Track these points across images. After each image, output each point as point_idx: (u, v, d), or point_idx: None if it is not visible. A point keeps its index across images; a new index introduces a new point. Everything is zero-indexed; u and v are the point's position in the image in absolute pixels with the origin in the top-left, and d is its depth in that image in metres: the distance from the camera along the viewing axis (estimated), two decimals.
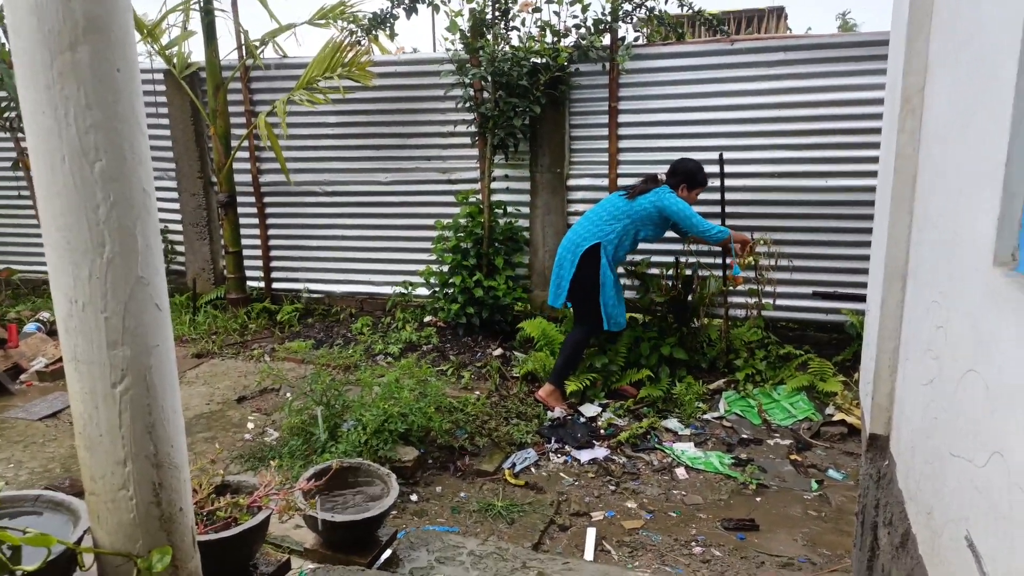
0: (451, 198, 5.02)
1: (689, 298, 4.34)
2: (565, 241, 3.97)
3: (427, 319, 5.14)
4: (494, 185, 4.90)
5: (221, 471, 2.34)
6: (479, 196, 4.88)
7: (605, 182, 4.73)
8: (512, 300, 4.80)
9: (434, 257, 4.98)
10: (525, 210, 4.94)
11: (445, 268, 4.90)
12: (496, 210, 4.84)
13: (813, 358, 4.20)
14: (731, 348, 4.29)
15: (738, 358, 4.26)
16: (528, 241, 4.93)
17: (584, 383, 4.00)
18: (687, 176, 3.81)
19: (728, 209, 4.19)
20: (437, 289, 4.97)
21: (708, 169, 3.98)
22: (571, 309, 4.11)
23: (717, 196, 4.10)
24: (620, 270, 4.27)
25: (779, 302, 4.35)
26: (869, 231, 4.17)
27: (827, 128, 4.22)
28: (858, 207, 4.26)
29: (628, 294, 4.51)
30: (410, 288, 5.19)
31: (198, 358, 4.67)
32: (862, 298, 4.19)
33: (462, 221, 4.81)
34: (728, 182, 4.17)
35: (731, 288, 4.19)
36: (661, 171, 4.03)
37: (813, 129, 4.23)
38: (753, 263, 4.05)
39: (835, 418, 3.77)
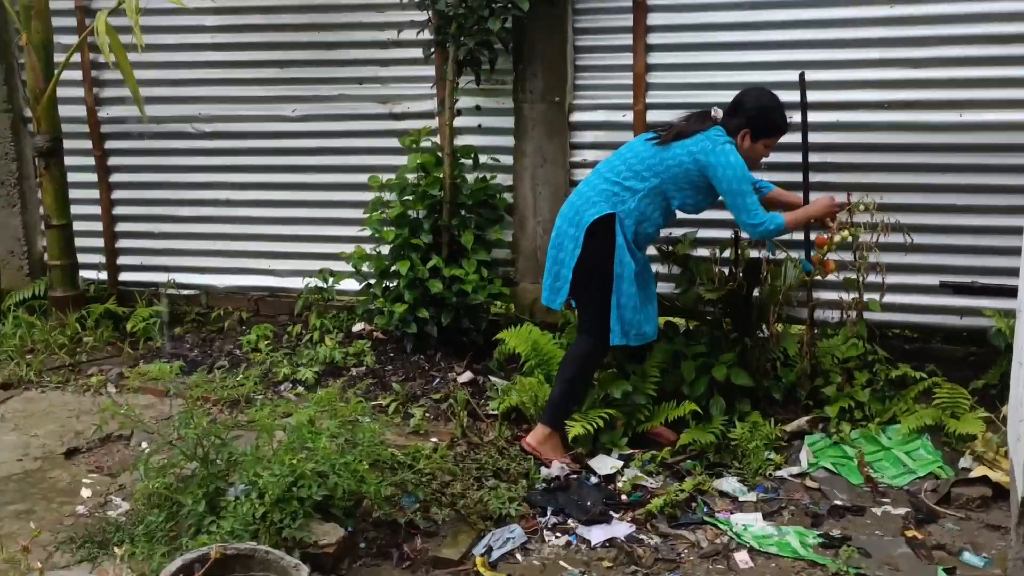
0: (394, 142, 5.05)
1: (754, 294, 4.37)
2: (566, 208, 4.03)
3: (358, 327, 5.20)
4: (460, 122, 4.93)
5: (39, 564, 2.31)
6: (436, 139, 4.93)
7: (628, 117, 4.76)
8: (487, 298, 4.85)
9: (368, 233, 5.00)
10: (507, 160, 4.99)
11: (385, 249, 4.97)
12: (463, 160, 4.88)
13: (941, 383, 4.26)
14: (817, 369, 4.32)
15: (828, 384, 4.29)
16: (512, 208, 5.01)
17: (596, 423, 4.04)
18: (755, 117, 3.87)
19: (812, 158, 4.16)
20: (373, 282, 5.02)
21: (788, 100, 3.99)
22: (575, 311, 4.17)
23: (795, 139, 4.10)
24: (650, 251, 4.31)
25: (889, 299, 4.28)
26: None
27: (967, 35, 4.27)
28: (1011, 154, 4.31)
29: (662, 287, 4.52)
30: (331, 281, 5.23)
31: (3, 390, 4.73)
32: (1014, 292, 4.12)
33: (410, 177, 4.87)
34: (813, 117, 4.14)
35: (818, 278, 4.22)
36: (716, 105, 4.06)
37: (945, 36, 4.29)
38: (849, 239, 4.06)
39: (973, 474, 3.82)
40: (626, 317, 3.90)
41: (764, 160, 4.09)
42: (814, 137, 4.23)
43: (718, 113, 3.92)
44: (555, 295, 4.03)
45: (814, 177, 4.24)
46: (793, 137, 4.14)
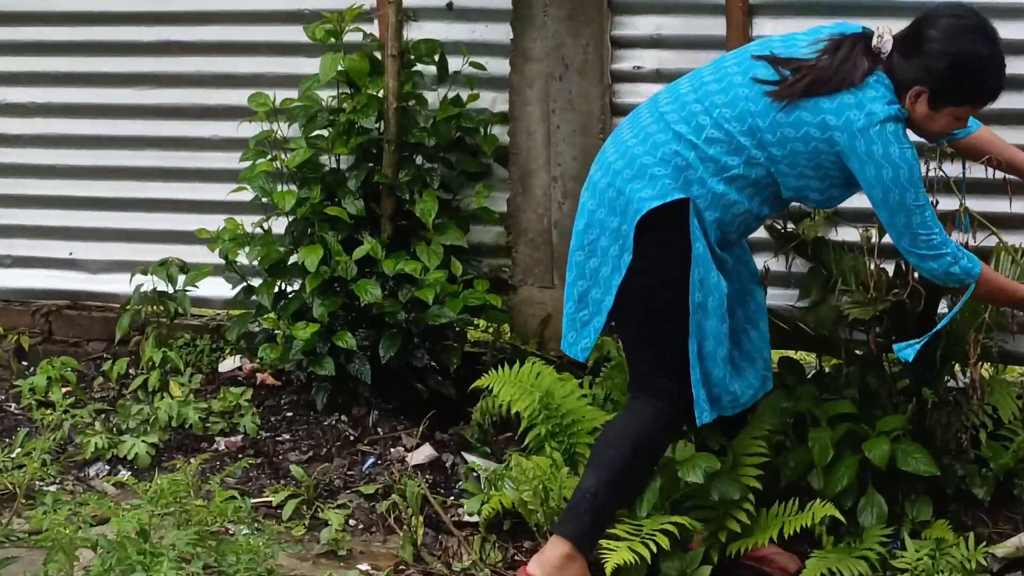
0: (297, 32, 5.02)
1: (939, 310, 4.31)
2: (601, 174, 3.94)
3: (230, 364, 5.25)
4: (411, 1, 4.91)
5: None
6: (372, 28, 4.97)
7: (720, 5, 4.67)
8: (462, 314, 4.80)
9: (247, 196, 5.03)
10: (499, 66, 5.03)
11: (279, 226, 5.04)
12: (419, 66, 4.94)
13: None
14: None
15: None
16: (507, 154, 5.05)
17: (656, 540, 3.93)
18: (945, 72, 3.77)
19: None
20: (257, 283, 5.06)
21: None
22: (619, 346, 4.27)
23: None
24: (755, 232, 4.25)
25: None
26: None
27: None
28: None
29: (776, 295, 4.54)
30: (182, 281, 5.21)
31: None
32: None
33: (325, 96, 4.94)
34: None
35: None
36: (886, 24, 3.84)
37: None
38: None
39: None
40: (714, 375, 3.87)
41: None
42: None
43: (884, 43, 3.69)
44: (580, 334, 3.97)
45: None
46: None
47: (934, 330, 3.97)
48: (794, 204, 4.45)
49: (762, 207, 3.92)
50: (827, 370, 4.59)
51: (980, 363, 4.15)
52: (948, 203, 4.13)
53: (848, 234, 4.50)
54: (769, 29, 4.58)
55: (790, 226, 4.55)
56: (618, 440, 3.97)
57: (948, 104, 3.79)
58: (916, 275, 4.14)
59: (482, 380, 4.59)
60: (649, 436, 3.97)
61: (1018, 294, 3.97)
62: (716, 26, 4.58)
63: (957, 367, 4.35)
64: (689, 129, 3.80)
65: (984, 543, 4.06)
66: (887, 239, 4.19)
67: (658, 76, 4.55)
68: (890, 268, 4.34)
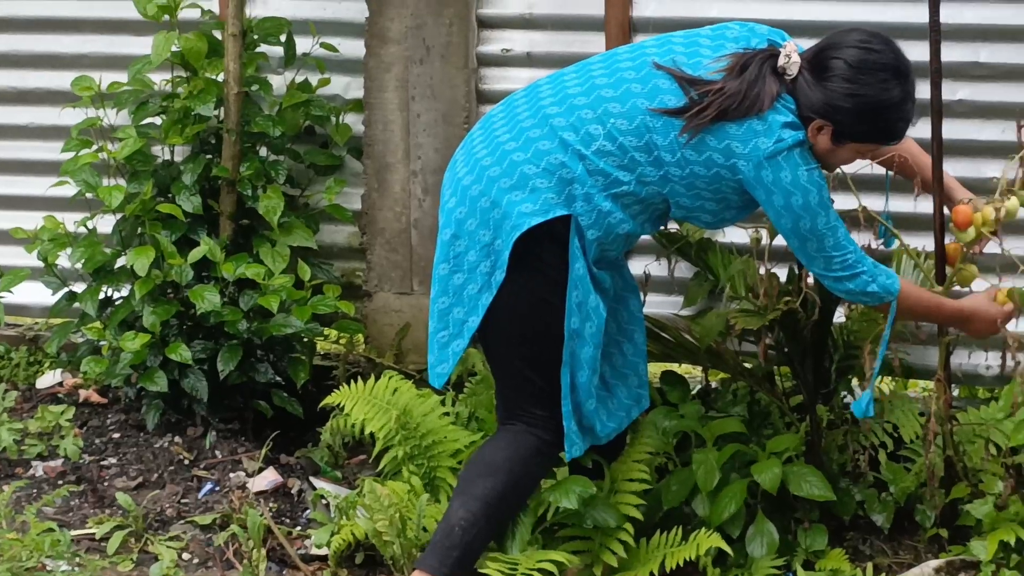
0: (128, 8, 4.84)
1: (836, 318, 4.38)
2: (469, 174, 3.85)
3: (49, 379, 5.17)
4: None
5: None
6: (212, 6, 4.93)
7: None
8: (310, 323, 4.70)
9: (69, 191, 4.93)
10: (352, 47, 4.96)
11: (105, 225, 4.92)
12: (265, 45, 4.86)
13: None
14: (953, 470, 4.15)
15: (977, 496, 4.12)
16: (361, 145, 4.99)
17: (532, 574, 3.89)
18: (851, 111, 3.72)
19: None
20: (80, 289, 4.90)
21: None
22: (484, 359, 4.25)
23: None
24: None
25: None
26: None
27: None
28: None
29: (656, 302, 4.58)
30: None
31: None
32: None
33: (157, 80, 4.86)
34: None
35: (957, 289, 4.15)
36: (787, 41, 3.84)
37: None
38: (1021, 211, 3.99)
39: None
40: (587, 407, 3.84)
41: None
42: (954, 13, 4.27)
43: (790, 64, 3.68)
44: (438, 357, 3.90)
45: (952, 94, 4.35)
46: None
47: (876, 372, 4.02)
48: None
49: (645, 225, 3.89)
50: (714, 385, 4.64)
51: (877, 376, 4.09)
52: (845, 202, 4.11)
53: (736, 235, 4.50)
54: (652, 10, 4.66)
55: (673, 227, 4.51)
56: (492, 470, 3.87)
57: (852, 140, 3.80)
58: (810, 280, 4.16)
59: (332, 397, 4.47)
60: (525, 466, 3.90)
61: (943, 308, 3.99)
62: (593, 5, 4.54)
63: (855, 382, 4.39)
64: (578, 138, 3.72)
65: (884, 574, 4.10)
66: (779, 241, 4.21)
67: (528, 60, 4.53)
68: (782, 273, 4.33)
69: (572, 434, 3.83)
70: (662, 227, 4.13)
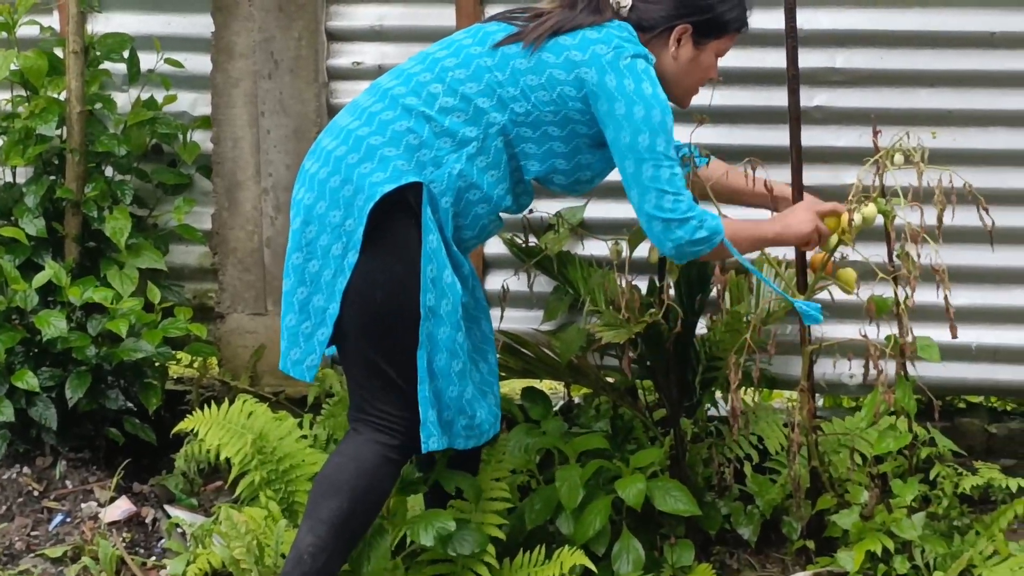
0: None
1: (698, 331, 4.44)
2: (317, 163, 3.84)
3: None
4: None
5: None
6: (52, 21, 4.87)
7: None
8: (161, 347, 4.65)
9: None
10: (199, 63, 4.92)
11: None
12: (108, 62, 4.80)
13: None
14: (822, 479, 4.19)
15: (843, 507, 4.16)
16: (211, 163, 4.95)
17: None
18: (690, 6, 3.87)
19: (808, 59, 4.24)
20: None
21: None
22: (342, 380, 4.22)
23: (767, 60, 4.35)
24: (492, 245, 4.47)
25: (959, 333, 4.11)
26: None
27: None
28: None
29: (514, 317, 4.59)
30: None
31: None
32: None
33: None
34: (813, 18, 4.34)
35: (824, 295, 4.17)
36: None
37: None
38: (879, 219, 3.98)
39: None
40: (447, 394, 3.75)
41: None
42: (810, 18, 4.41)
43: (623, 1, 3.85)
44: (304, 349, 3.80)
45: (810, 100, 4.44)
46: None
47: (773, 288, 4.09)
48: (535, 216, 4.59)
49: (504, 197, 3.83)
50: (576, 400, 4.64)
51: (741, 388, 4.14)
52: None
53: (597, 248, 4.53)
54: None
55: (532, 240, 4.55)
56: (335, 489, 3.81)
57: (713, 36, 3.85)
58: (672, 293, 4.19)
59: (185, 422, 4.41)
60: (368, 479, 3.82)
61: (763, 229, 3.95)
62: (445, 16, 4.56)
63: (718, 394, 4.41)
64: (420, 101, 3.73)
65: None
66: (639, 252, 4.29)
67: (380, 72, 4.30)
68: (643, 285, 4.37)
69: (430, 424, 3.76)
70: (522, 205, 4.02)
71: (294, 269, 3.79)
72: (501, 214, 3.92)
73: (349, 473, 3.79)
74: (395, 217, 3.69)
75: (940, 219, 3.96)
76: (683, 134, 4.16)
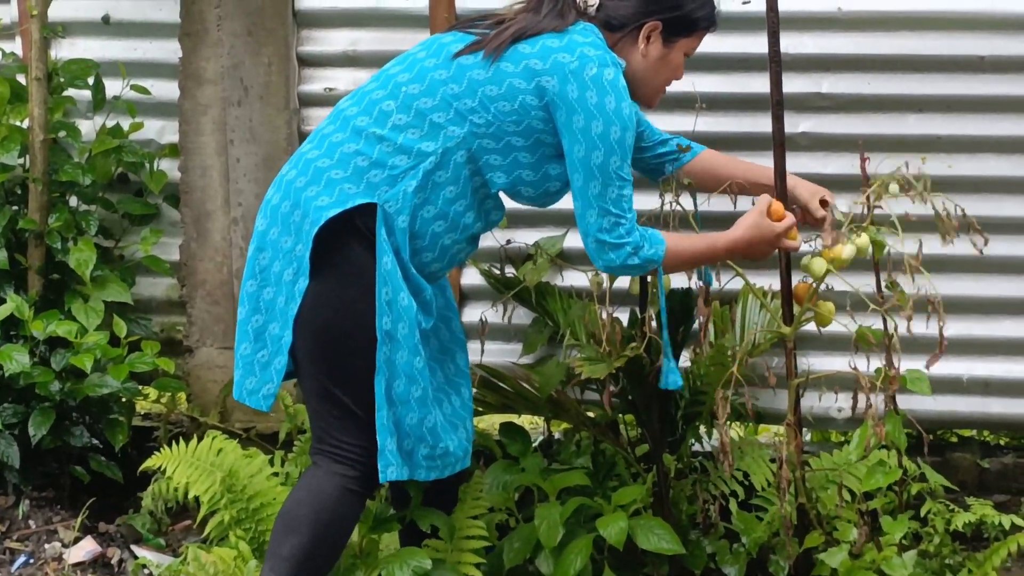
0: None
1: (684, 364, 4.37)
2: (274, 192, 3.88)
3: None
4: (61, 9, 4.84)
5: None
6: (14, 47, 4.94)
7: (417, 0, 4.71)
8: (127, 382, 4.65)
9: None
10: (166, 90, 4.95)
11: None
12: (73, 88, 4.84)
13: None
14: (806, 518, 4.13)
15: (831, 544, 4.09)
16: (178, 193, 4.98)
17: None
18: (655, 2, 3.88)
19: (790, 85, 4.20)
20: None
21: None
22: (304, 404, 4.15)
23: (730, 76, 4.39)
24: (467, 276, 4.54)
25: (947, 369, 4.35)
26: None
27: None
28: None
29: (494, 351, 4.64)
30: None
31: None
32: None
33: None
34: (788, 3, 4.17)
35: (811, 328, 4.12)
36: None
37: None
38: (868, 251, 3.97)
39: None
40: (407, 422, 3.72)
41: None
42: (795, 42, 4.42)
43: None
44: (260, 378, 3.78)
45: (795, 126, 4.44)
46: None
47: (666, 343, 4.01)
48: (514, 246, 4.61)
49: (464, 214, 3.80)
50: (556, 436, 4.67)
51: (727, 421, 3.98)
52: None
53: (577, 279, 4.54)
54: None
55: (510, 271, 4.54)
56: (296, 525, 3.79)
57: (681, 34, 3.87)
58: (654, 324, 4.16)
59: (152, 460, 4.41)
60: (329, 513, 3.80)
61: (718, 247, 3.93)
62: (419, 39, 4.21)
63: (703, 428, 4.41)
64: (372, 120, 3.74)
65: None
66: (620, 283, 4.37)
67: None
68: (625, 317, 4.36)
69: (388, 453, 3.72)
70: (491, 222, 3.96)
71: (249, 297, 3.80)
72: (471, 236, 3.89)
73: (308, 508, 3.77)
74: (348, 241, 3.67)
75: (944, 237, 3.91)
76: (683, 121, 4.24)
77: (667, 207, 4.19)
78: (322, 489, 3.79)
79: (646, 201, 4.13)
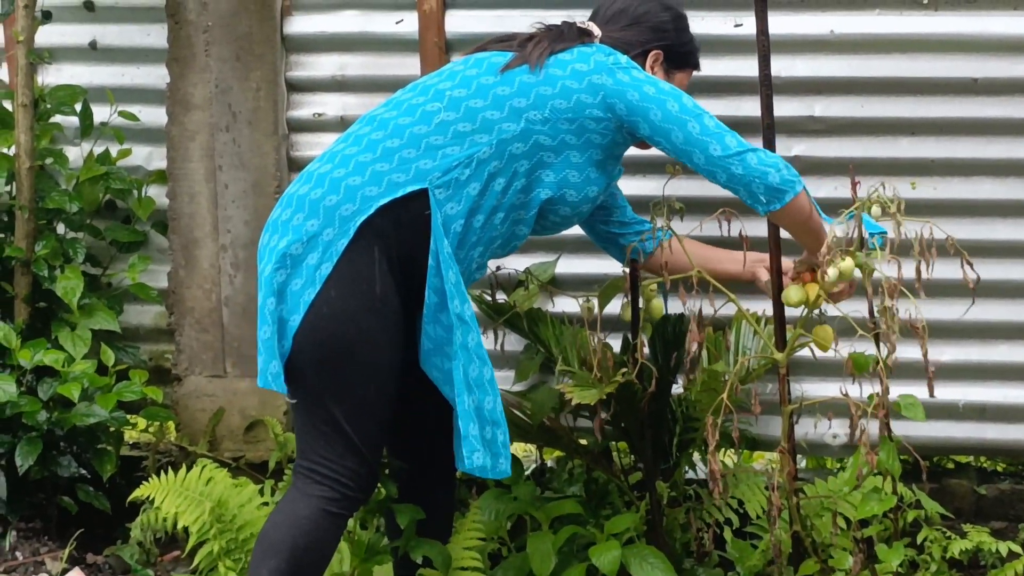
0: None
1: (675, 390, 4.42)
2: (307, 181, 3.82)
3: None
4: (49, 36, 4.86)
5: None
6: (1, 75, 4.97)
7: (407, 25, 4.74)
8: (115, 412, 4.62)
9: None
10: (154, 115, 4.94)
11: None
12: (60, 115, 4.84)
13: None
14: (801, 546, 4.11)
15: (828, 573, 4.11)
16: (167, 220, 4.98)
17: None
18: (670, 29, 4.06)
19: (782, 108, 4.20)
20: None
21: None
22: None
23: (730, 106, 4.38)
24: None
25: (942, 394, 4.08)
26: None
27: None
28: None
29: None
30: None
31: None
32: None
33: None
34: (779, 27, 4.22)
35: (805, 352, 4.16)
36: (576, 16, 4.10)
37: None
38: (856, 274, 3.94)
39: None
40: (485, 406, 3.73)
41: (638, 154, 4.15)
42: (787, 65, 4.44)
43: (592, 26, 3.99)
44: (281, 362, 3.76)
45: (788, 149, 4.40)
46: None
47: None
48: (504, 272, 4.59)
49: (503, 211, 3.81)
50: (549, 464, 4.66)
51: (720, 449, 4.10)
52: None
53: (568, 305, 4.53)
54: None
55: (501, 297, 4.54)
56: (274, 548, 3.78)
57: (678, 67, 4.01)
58: (647, 351, 4.21)
59: (141, 490, 4.38)
60: (309, 536, 3.78)
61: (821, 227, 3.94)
62: (409, 65, 4.59)
63: (696, 456, 4.39)
64: (415, 120, 3.74)
65: None
66: (611, 309, 4.28)
67: (342, 124, 4.41)
68: (616, 343, 4.34)
69: (472, 439, 3.73)
70: (520, 235, 3.93)
71: (262, 282, 3.72)
72: (502, 248, 3.90)
73: (286, 532, 3.76)
74: (362, 252, 3.66)
75: (920, 270, 3.84)
76: (655, 186, 4.20)
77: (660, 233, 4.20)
78: (299, 512, 3.77)
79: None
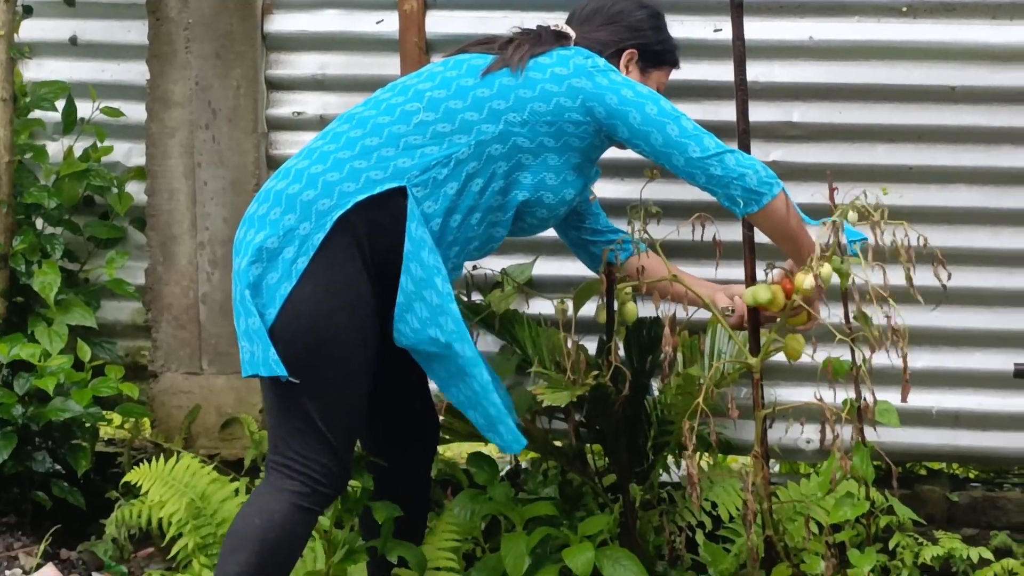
0: None
1: (651, 394, 4.41)
2: (284, 176, 3.81)
3: None
4: (31, 31, 4.90)
5: None
6: None
7: (387, 24, 4.75)
8: (91, 407, 4.60)
9: None
10: (135, 111, 4.92)
11: None
12: (40, 110, 4.88)
13: None
14: (773, 548, 4.07)
15: None
16: (145, 216, 4.95)
17: None
18: (645, 28, 4.06)
19: (758, 113, 4.23)
20: None
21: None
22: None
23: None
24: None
25: (916, 400, 4.10)
26: None
27: None
28: None
29: None
30: None
31: None
32: None
33: None
34: (755, 33, 4.23)
35: (780, 357, 4.09)
36: (555, 18, 4.10)
37: None
38: (834, 279, 3.91)
39: None
40: (502, 394, 3.78)
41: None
42: (765, 71, 4.48)
43: (566, 28, 4.00)
44: (263, 345, 3.71)
45: (766, 155, 4.41)
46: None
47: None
48: (480, 272, 4.59)
49: (479, 214, 3.80)
50: (524, 465, 4.65)
51: (695, 453, 3.94)
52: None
53: (543, 307, 4.51)
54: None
55: (476, 297, 4.54)
56: (244, 542, 3.75)
57: (655, 65, 4.01)
58: (621, 354, 4.18)
59: (131, 475, 4.40)
60: (279, 530, 3.75)
61: (805, 233, 3.94)
62: (389, 65, 4.58)
63: (671, 459, 4.37)
64: (394, 119, 3.74)
65: None
66: (585, 311, 4.23)
67: (322, 123, 4.26)
68: (592, 346, 4.33)
69: (512, 424, 3.78)
70: (498, 239, 3.94)
71: (236, 279, 3.71)
72: (478, 250, 3.89)
73: (256, 526, 3.74)
74: (340, 249, 3.66)
75: (910, 277, 3.81)
76: (633, 190, 4.22)
77: (637, 235, 4.17)
78: (270, 507, 3.75)
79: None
